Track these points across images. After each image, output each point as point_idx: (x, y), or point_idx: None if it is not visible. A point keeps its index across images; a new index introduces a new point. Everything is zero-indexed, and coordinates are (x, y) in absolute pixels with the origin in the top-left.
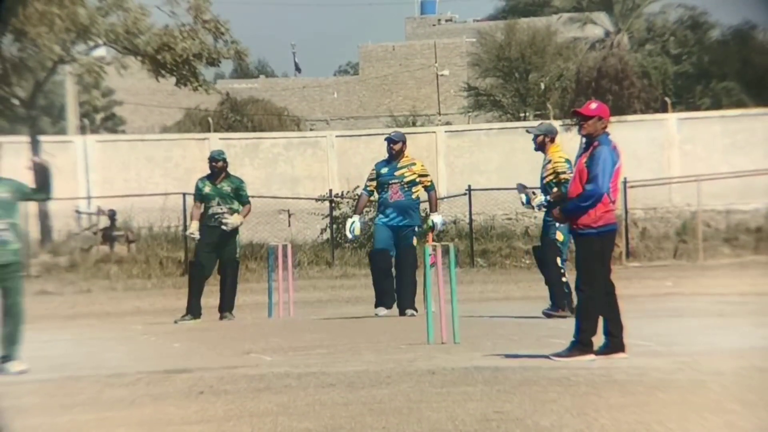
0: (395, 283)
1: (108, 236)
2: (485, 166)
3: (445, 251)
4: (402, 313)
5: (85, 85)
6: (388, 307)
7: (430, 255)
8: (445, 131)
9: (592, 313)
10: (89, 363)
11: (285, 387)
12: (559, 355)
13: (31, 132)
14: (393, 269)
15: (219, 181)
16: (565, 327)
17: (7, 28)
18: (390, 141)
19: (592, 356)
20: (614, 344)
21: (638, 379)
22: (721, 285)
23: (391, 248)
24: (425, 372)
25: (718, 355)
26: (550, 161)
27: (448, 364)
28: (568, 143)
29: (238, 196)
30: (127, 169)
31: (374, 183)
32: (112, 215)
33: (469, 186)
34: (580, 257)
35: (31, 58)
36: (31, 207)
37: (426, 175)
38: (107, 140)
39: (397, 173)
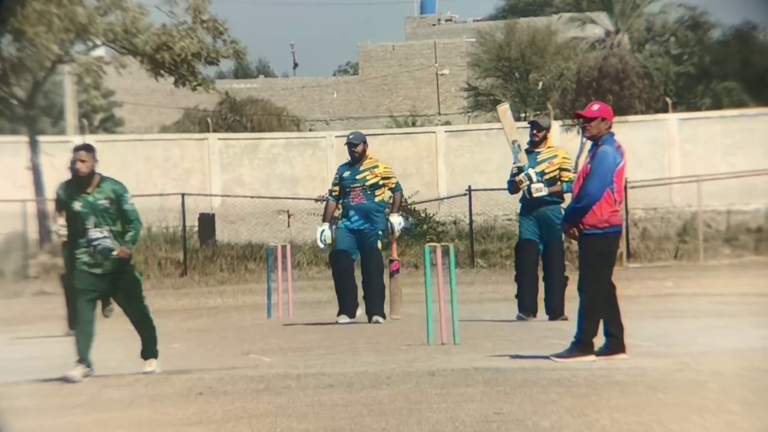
0: (363, 288)
1: None
2: (485, 166)
3: (445, 252)
4: (370, 319)
5: (85, 88)
6: (351, 316)
7: (393, 261)
8: (445, 131)
9: (595, 314)
10: None
11: (284, 388)
12: (559, 356)
13: (30, 132)
14: (356, 274)
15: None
16: (566, 328)
17: (6, 28)
18: (351, 144)
19: (592, 357)
20: (615, 345)
21: (638, 380)
22: (722, 285)
23: (353, 251)
24: (425, 373)
25: (718, 356)
26: (556, 156)
27: (448, 365)
28: (569, 143)
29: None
30: (126, 169)
31: (338, 188)
32: None
33: (470, 186)
34: (584, 257)
35: (30, 58)
36: (30, 207)
37: (390, 177)
38: (106, 140)
39: (358, 177)
